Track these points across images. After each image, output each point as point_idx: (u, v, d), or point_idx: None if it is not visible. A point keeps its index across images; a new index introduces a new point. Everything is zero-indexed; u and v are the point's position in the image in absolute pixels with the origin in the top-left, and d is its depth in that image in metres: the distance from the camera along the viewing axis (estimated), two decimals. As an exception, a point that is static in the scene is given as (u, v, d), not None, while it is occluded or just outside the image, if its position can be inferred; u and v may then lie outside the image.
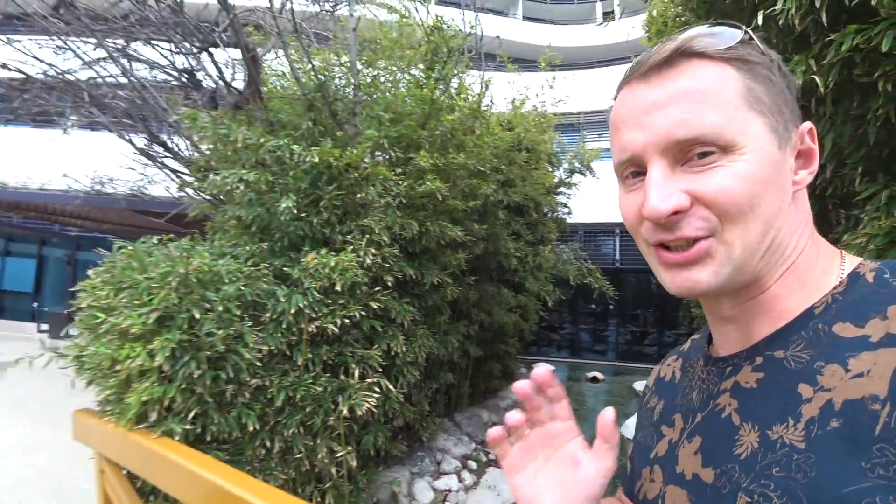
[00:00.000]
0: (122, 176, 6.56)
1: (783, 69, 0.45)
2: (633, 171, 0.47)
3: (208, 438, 2.26)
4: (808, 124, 0.46)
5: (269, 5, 3.47)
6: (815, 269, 0.45)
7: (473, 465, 4.38)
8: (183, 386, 2.05)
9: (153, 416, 2.04)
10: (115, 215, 7.36)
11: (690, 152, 0.42)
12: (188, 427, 2.10)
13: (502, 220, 4.62)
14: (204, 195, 3.08)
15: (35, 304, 11.94)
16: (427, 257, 3.13)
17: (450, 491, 3.87)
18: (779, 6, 1.97)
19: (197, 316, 2.02)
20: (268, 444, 2.48)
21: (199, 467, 1.42)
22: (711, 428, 0.47)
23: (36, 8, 3.98)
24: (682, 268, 0.44)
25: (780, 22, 1.99)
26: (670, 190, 0.42)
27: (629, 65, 0.48)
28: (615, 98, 0.50)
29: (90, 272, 2.38)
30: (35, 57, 4.17)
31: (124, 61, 3.88)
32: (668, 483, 0.51)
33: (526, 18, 18.13)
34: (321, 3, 4.35)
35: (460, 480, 4.04)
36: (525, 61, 9.82)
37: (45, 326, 9.36)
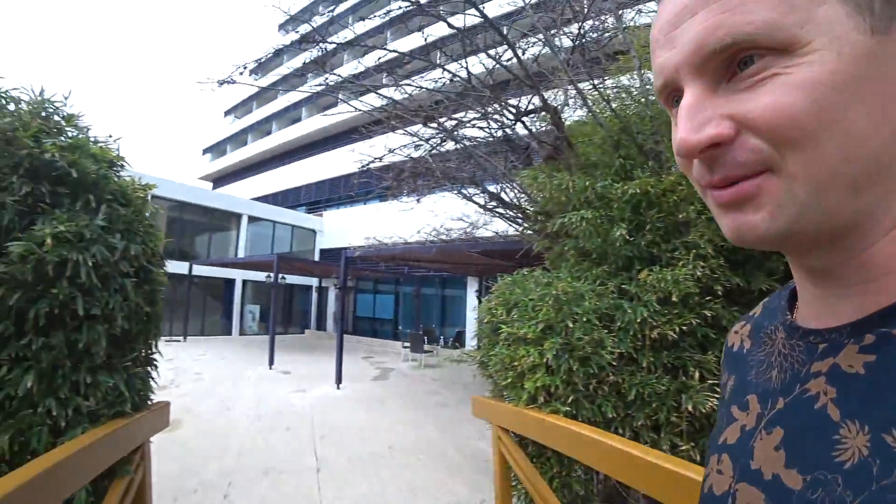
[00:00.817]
0: (454, 225, 8.62)
1: None
2: (676, 97, 0.38)
3: (579, 420, 2.93)
4: None
5: (564, 68, 4.24)
6: None
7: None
8: (563, 378, 2.77)
9: (541, 400, 2.83)
10: (450, 256, 9.57)
11: (734, 63, 0.33)
12: (566, 409, 2.82)
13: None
14: (539, 234, 3.96)
15: (399, 328, 16.32)
16: (752, 265, 3.15)
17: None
18: None
19: (570, 325, 2.74)
20: (619, 430, 2.99)
21: (594, 434, 1.99)
22: (798, 420, 0.37)
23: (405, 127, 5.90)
24: (734, 209, 0.35)
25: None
26: (706, 116, 0.33)
27: None
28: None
29: (485, 300, 3.45)
30: (409, 157, 6.15)
31: (466, 143, 5.33)
32: (741, 480, 0.41)
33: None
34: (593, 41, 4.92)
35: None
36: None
37: (406, 343, 12.68)
